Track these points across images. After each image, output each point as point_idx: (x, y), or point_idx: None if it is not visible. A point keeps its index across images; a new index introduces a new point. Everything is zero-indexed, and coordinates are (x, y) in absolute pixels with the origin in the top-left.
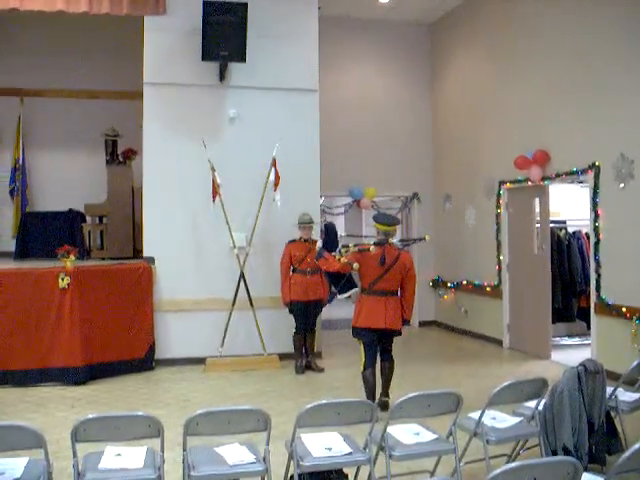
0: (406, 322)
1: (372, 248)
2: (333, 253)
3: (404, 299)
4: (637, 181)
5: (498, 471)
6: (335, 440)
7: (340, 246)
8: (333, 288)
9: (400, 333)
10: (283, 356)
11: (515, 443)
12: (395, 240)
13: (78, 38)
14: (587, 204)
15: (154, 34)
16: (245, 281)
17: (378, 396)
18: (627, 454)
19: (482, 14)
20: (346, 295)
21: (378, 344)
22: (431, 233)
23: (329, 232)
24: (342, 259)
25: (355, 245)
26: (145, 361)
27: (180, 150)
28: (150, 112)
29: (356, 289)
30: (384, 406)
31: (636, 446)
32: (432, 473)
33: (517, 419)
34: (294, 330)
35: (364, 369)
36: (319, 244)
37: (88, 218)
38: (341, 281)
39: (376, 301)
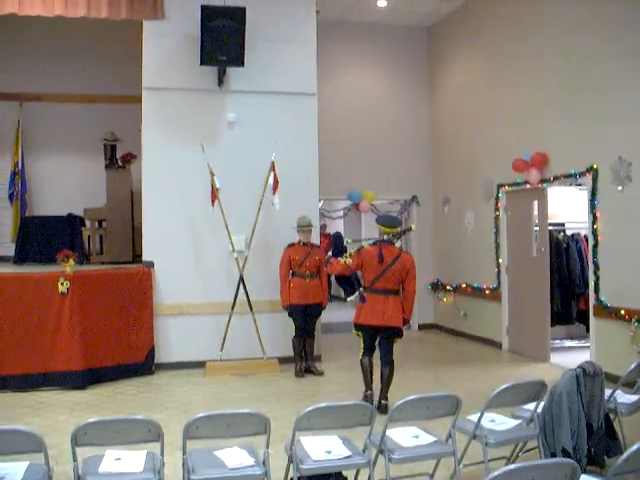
0: (406, 322)
1: (365, 245)
2: (339, 258)
3: (404, 299)
4: (635, 184)
5: (497, 473)
6: (334, 443)
7: (347, 251)
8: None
9: (401, 334)
10: (283, 360)
11: (514, 445)
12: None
13: (77, 43)
14: (585, 207)
15: (153, 39)
16: (244, 285)
17: (377, 399)
18: (625, 456)
19: (480, 17)
20: (353, 297)
21: (377, 340)
22: (430, 236)
23: (337, 241)
24: (343, 260)
25: (357, 249)
26: (145, 365)
27: (179, 154)
28: (149, 116)
29: (361, 289)
30: (383, 409)
31: (634, 448)
32: (431, 476)
33: (516, 421)
34: (293, 334)
35: (362, 356)
36: (329, 254)
37: (87, 222)
38: (347, 284)
39: (376, 299)
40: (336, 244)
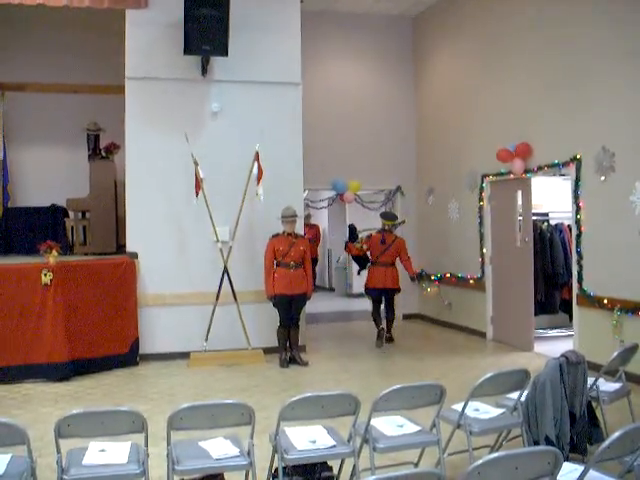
0: (412, 278)
1: (373, 233)
2: (355, 243)
3: (405, 264)
4: (618, 174)
5: (481, 462)
6: (319, 433)
7: (360, 238)
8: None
9: (398, 290)
10: (267, 350)
11: (498, 434)
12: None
13: (60, 32)
14: (569, 197)
15: (136, 28)
16: (229, 275)
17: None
18: (606, 443)
19: (465, 7)
20: (365, 269)
21: (382, 301)
22: (414, 226)
23: (351, 231)
24: (357, 245)
25: (368, 236)
26: (129, 356)
27: (163, 144)
28: (132, 106)
29: (369, 264)
30: (388, 339)
31: (615, 435)
32: (416, 464)
33: (500, 410)
34: (278, 324)
35: (373, 311)
36: (345, 240)
37: (71, 213)
38: (361, 260)
39: (379, 270)
40: (350, 233)
